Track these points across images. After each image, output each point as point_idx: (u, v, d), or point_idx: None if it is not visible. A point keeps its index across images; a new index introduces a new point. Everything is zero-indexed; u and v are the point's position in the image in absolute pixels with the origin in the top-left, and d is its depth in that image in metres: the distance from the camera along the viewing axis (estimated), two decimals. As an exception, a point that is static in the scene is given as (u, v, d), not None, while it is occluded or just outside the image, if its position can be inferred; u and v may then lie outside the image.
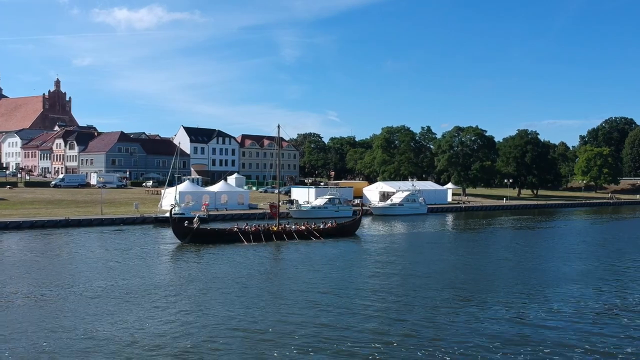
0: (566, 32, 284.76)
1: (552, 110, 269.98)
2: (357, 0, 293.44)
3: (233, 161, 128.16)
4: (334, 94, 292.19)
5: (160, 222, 52.21)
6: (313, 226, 44.46)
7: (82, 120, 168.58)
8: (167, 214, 53.63)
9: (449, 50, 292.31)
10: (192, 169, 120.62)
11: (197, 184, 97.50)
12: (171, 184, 59.61)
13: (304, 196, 71.08)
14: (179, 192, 61.91)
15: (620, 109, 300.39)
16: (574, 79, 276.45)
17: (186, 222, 42.13)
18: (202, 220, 48.30)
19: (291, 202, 68.27)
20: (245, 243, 39.27)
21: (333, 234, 44.09)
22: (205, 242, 39.33)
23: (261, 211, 62.93)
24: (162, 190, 61.41)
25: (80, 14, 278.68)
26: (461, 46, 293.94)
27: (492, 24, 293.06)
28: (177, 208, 53.50)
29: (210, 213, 56.28)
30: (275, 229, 42.61)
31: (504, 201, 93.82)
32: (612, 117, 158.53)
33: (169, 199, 61.64)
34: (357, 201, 79.56)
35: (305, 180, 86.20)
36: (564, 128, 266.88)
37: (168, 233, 47.44)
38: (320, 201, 64.51)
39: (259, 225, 42.84)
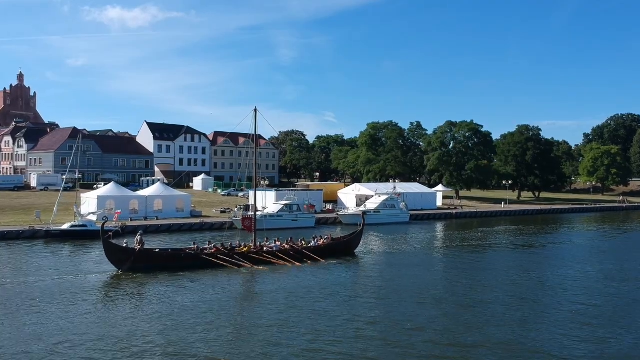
0: (565, 32, 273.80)
1: (551, 110, 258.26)
2: (354, 1, 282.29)
3: (203, 160, 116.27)
4: (331, 94, 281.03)
5: (54, 236, 40.32)
6: (300, 244, 33.69)
7: (48, 118, 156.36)
8: (66, 226, 41.95)
9: (447, 50, 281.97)
10: (156, 169, 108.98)
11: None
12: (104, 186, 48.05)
13: (261, 201, 58.67)
14: (98, 196, 50.40)
15: (621, 109, 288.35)
16: (573, 79, 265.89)
17: (125, 241, 30.50)
18: (114, 234, 36.63)
19: (247, 208, 56.45)
20: (207, 270, 28.75)
21: (327, 253, 33.17)
22: (152, 268, 28.31)
23: (199, 220, 51.28)
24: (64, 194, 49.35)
25: (71, 11, 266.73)
26: (459, 46, 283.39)
27: (490, 23, 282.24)
28: (78, 218, 41.78)
29: (130, 224, 44.34)
30: (246, 249, 31.51)
31: (503, 206, 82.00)
32: (618, 114, 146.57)
33: (87, 205, 50.22)
34: (329, 206, 68.13)
35: (262, 182, 74.16)
36: (564, 129, 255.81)
37: (65, 251, 36.14)
38: (275, 208, 52.62)
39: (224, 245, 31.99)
